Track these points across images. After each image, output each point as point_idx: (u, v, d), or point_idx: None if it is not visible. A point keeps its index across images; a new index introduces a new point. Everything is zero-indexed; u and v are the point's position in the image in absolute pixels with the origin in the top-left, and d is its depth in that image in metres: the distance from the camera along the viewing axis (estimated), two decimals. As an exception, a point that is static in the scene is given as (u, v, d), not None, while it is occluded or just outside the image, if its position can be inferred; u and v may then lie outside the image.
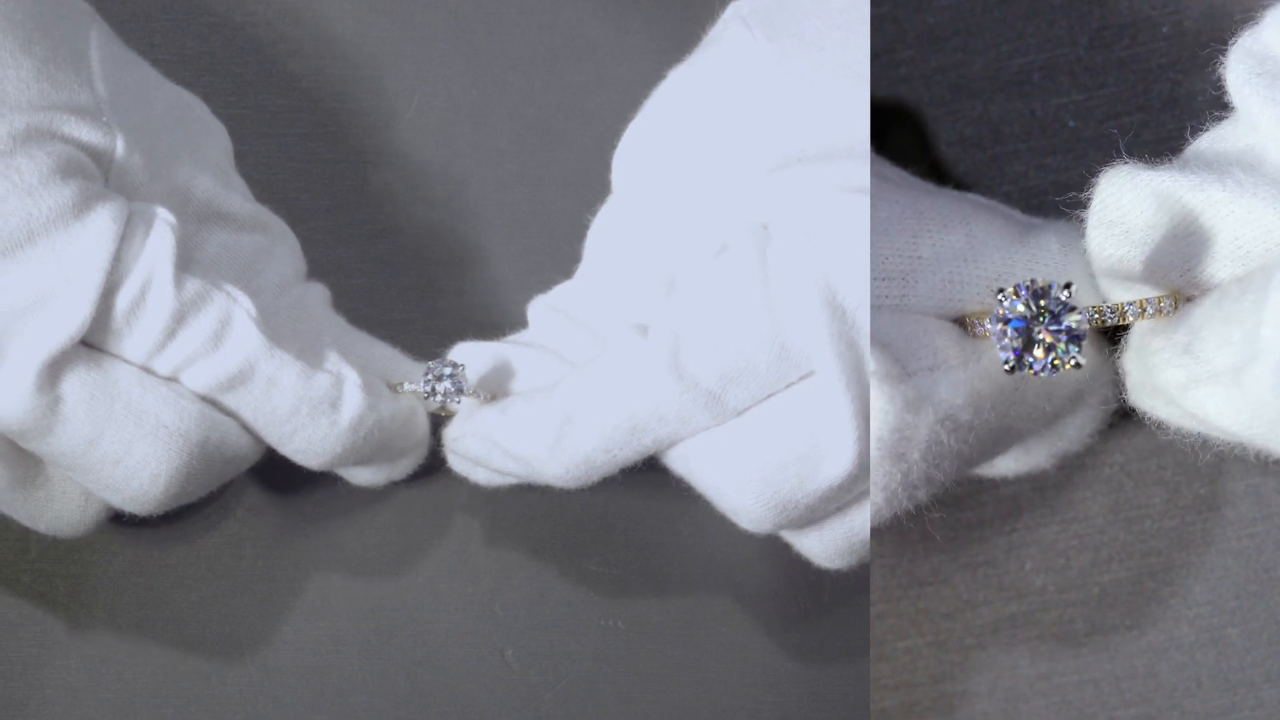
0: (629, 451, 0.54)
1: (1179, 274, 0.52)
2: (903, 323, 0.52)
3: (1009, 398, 0.53)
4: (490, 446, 0.56)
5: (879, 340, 0.51)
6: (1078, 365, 0.50)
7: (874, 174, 0.54)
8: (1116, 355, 0.54)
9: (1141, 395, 0.54)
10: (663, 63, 0.59)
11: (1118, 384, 0.56)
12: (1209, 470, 0.59)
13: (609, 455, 0.54)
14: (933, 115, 0.62)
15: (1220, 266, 0.51)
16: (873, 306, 0.52)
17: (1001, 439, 0.54)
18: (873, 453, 0.51)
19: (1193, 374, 0.50)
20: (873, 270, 0.52)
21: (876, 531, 0.54)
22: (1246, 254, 0.50)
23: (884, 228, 0.53)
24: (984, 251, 0.53)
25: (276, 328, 0.54)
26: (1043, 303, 0.50)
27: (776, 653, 0.61)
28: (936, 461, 0.51)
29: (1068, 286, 0.50)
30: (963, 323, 0.53)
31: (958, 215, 0.54)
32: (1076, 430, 0.57)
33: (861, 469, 0.52)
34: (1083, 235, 0.54)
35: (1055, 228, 0.55)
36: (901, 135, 0.61)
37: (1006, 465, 0.57)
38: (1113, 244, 0.52)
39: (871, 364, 0.51)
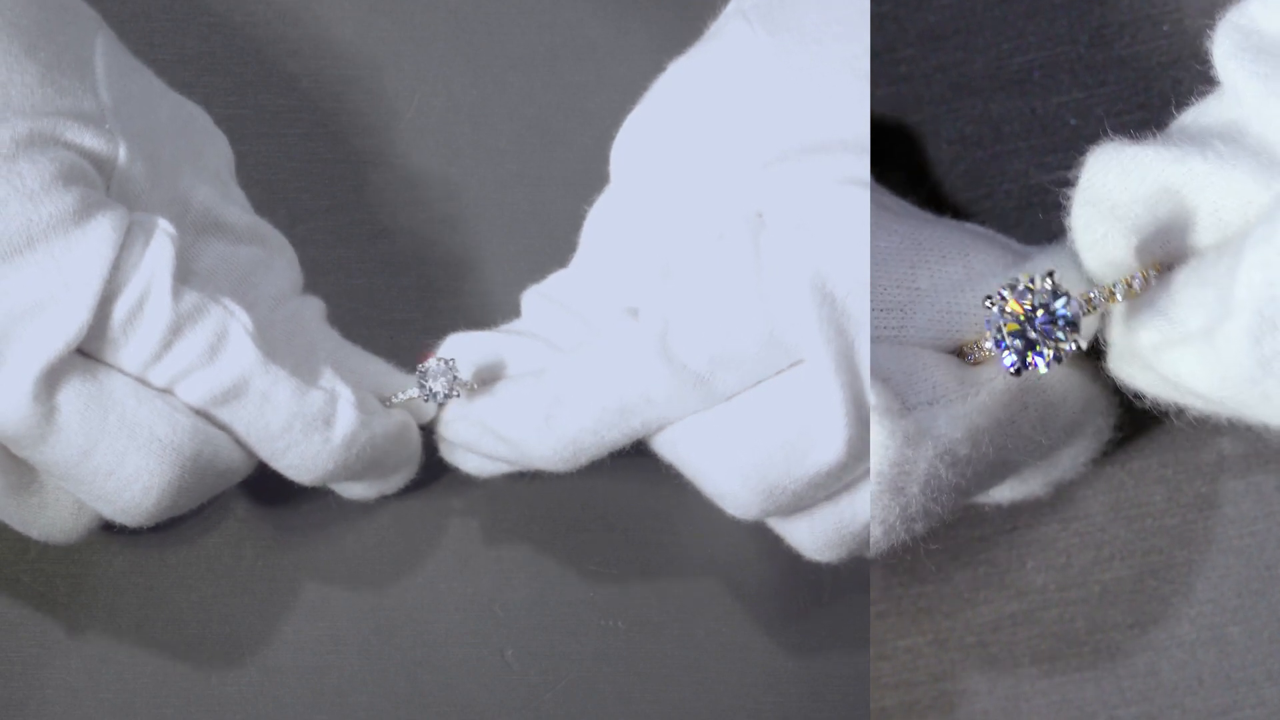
0: (617, 434, 0.54)
1: (1160, 245, 0.52)
2: (901, 356, 0.52)
3: (1006, 430, 0.53)
4: (480, 430, 0.56)
5: (879, 374, 0.51)
6: (1079, 349, 0.50)
7: (873, 203, 0.54)
8: (1102, 329, 0.54)
9: (1120, 362, 0.54)
10: (662, 62, 0.59)
11: (1112, 415, 0.56)
12: (1210, 468, 0.59)
13: (597, 437, 0.55)
14: (933, 113, 0.62)
15: (1202, 237, 0.51)
16: (872, 338, 0.52)
17: (998, 471, 0.54)
18: (872, 487, 0.51)
19: (1167, 336, 0.51)
20: (871, 301, 0.52)
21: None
22: (1227, 224, 0.50)
23: (883, 258, 0.53)
24: (981, 281, 0.53)
25: (272, 341, 0.54)
26: (1030, 298, 0.50)
27: (776, 651, 0.61)
28: (935, 495, 0.52)
29: (1050, 274, 0.50)
30: (960, 352, 0.53)
31: (956, 246, 0.54)
32: (1071, 460, 0.57)
33: (852, 456, 0.52)
34: (1073, 248, 0.54)
35: (1047, 251, 0.55)
36: (898, 164, 0.62)
37: (1001, 494, 0.58)
38: (1098, 221, 0.52)
39: (867, 362, 0.51)
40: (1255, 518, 0.59)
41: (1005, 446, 0.53)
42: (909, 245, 0.54)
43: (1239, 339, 0.48)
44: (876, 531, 0.52)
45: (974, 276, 0.54)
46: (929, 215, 0.56)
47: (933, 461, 0.51)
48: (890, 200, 0.56)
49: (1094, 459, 0.57)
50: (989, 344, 0.51)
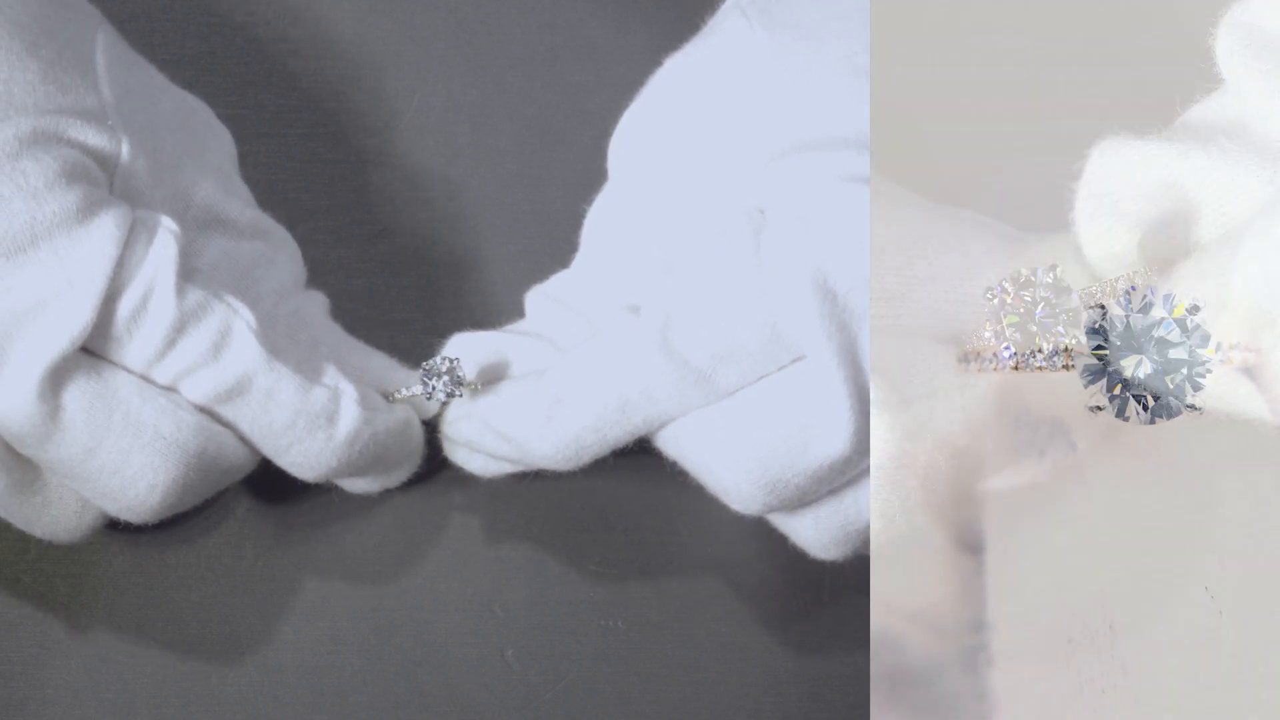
0: (619, 431, 0.55)
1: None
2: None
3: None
4: (483, 428, 0.56)
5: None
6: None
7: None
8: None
9: None
10: (662, 62, 0.59)
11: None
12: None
13: (599, 434, 0.55)
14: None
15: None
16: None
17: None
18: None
19: None
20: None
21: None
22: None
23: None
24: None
25: (274, 337, 0.55)
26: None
27: (776, 651, 0.61)
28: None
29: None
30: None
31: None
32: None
33: (856, 450, 0.52)
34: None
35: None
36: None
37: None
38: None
39: (866, 351, 0.51)
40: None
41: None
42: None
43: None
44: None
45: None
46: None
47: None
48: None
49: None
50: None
